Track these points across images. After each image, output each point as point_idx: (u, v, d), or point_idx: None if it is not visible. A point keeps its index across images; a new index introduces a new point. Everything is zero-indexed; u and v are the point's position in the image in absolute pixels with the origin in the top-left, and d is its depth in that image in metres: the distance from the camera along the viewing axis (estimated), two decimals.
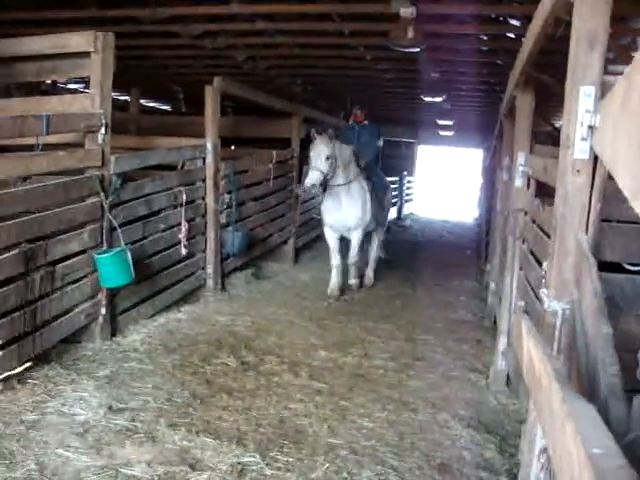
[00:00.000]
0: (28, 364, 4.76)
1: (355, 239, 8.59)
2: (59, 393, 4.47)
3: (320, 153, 7.82)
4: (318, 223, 12.30)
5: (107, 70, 5.33)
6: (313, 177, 7.70)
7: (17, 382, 4.52)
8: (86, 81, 6.51)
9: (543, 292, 2.64)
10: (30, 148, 4.98)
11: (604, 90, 2.24)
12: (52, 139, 5.27)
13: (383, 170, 17.61)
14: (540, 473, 2.26)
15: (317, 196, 8.29)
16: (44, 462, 3.56)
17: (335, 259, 8.50)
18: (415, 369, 5.67)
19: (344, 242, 8.75)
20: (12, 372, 4.56)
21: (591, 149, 2.33)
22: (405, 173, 22.30)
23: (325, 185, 8.03)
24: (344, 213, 8.33)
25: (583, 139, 2.34)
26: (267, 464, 3.77)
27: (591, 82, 2.29)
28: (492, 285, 7.40)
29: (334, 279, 8.41)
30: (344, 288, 8.61)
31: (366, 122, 9.23)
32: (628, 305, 2.72)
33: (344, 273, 8.66)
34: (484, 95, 11.29)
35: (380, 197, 9.05)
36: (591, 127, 2.28)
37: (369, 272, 9.37)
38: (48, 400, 4.35)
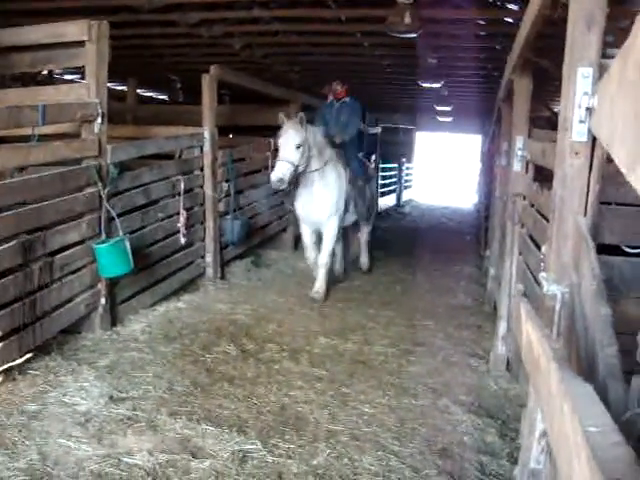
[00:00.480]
0: (29, 355, 4.76)
1: (327, 233, 7.57)
2: (60, 383, 4.48)
3: (289, 140, 6.86)
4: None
5: (102, 59, 5.30)
6: (281, 169, 6.75)
7: (18, 373, 4.53)
8: (82, 72, 6.49)
9: (542, 276, 2.63)
10: (26, 139, 4.97)
11: (602, 72, 2.22)
12: (48, 129, 5.26)
13: (382, 157, 17.41)
14: (540, 456, 2.27)
15: (286, 190, 7.32)
16: (46, 452, 3.57)
17: (311, 258, 7.75)
18: (415, 355, 5.68)
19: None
20: (13, 363, 4.55)
21: (589, 131, 2.31)
22: (404, 160, 22.27)
23: (297, 176, 7.20)
24: (316, 203, 7.42)
25: (581, 121, 2.32)
26: (268, 451, 3.78)
27: (589, 63, 2.27)
28: (492, 270, 7.40)
29: (320, 279, 7.47)
30: (330, 287, 7.81)
31: (347, 99, 8.24)
32: (627, 288, 2.72)
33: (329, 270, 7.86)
34: (482, 80, 11.24)
35: (360, 187, 8.11)
36: (589, 109, 2.26)
37: (363, 258, 8.94)
38: (49, 390, 4.36)
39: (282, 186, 6.83)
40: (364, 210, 8.27)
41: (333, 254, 7.98)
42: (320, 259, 7.54)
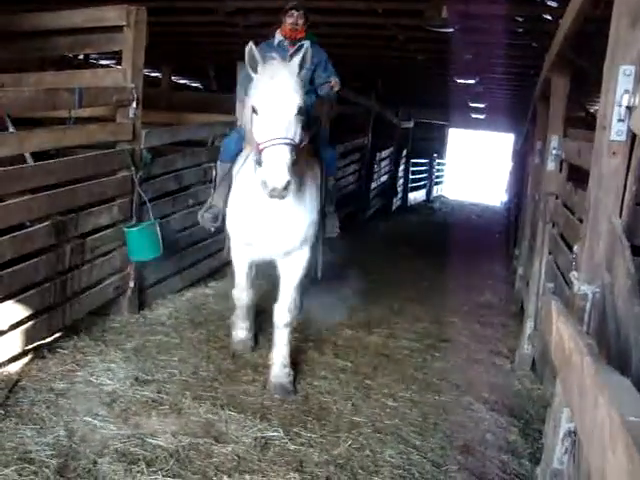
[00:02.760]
0: (58, 334, 4.84)
1: (294, 270, 4.76)
2: (87, 363, 4.55)
3: (286, 98, 3.89)
4: (348, 202, 12.16)
5: (139, 44, 5.34)
6: (284, 161, 3.75)
7: (47, 351, 4.61)
8: (118, 57, 6.54)
9: (573, 275, 2.62)
10: (62, 121, 5.03)
11: None
12: (84, 113, 5.32)
13: (414, 152, 17.11)
14: (564, 457, 2.26)
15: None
16: (73, 429, 3.63)
17: (245, 296, 5.19)
18: (440, 351, 5.67)
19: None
20: (42, 342, 4.64)
21: (628, 130, 2.29)
22: (435, 155, 22.17)
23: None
24: (283, 223, 4.42)
25: (620, 120, 2.30)
26: (290, 439, 3.81)
27: (631, 61, 2.25)
28: (520, 270, 7.35)
29: (241, 330, 5.23)
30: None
31: (306, 42, 4.17)
32: None
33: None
34: (517, 78, 11.14)
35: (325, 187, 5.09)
36: (629, 108, 2.24)
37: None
38: (77, 370, 4.43)
39: (288, 194, 3.89)
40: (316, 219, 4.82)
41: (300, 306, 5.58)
42: (279, 316, 4.74)
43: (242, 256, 4.93)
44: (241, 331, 5.25)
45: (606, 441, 0.90)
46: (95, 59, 11.25)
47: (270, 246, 4.58)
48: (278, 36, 5.27)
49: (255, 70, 4.05)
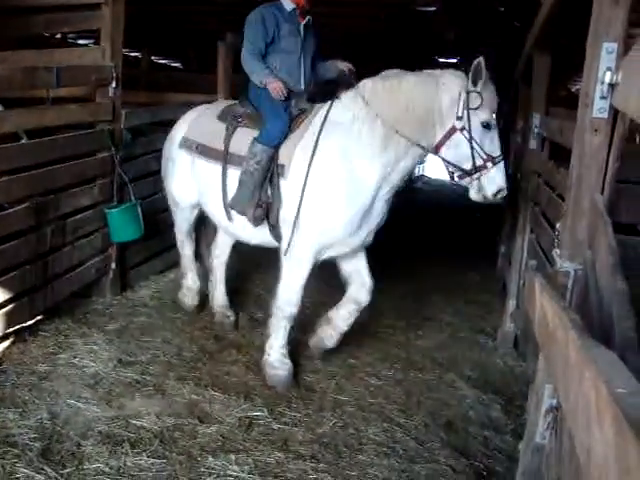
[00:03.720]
0: (39, 317, 4.80)
1: (365, 256, 4.84)
2: (70, 346, 4.52)
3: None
4: None
5: (118, 23, 5.27)
6: None
7: (29, 334, 4.58)
8: (96, 37, 6.44)
9: (555, 252, 2.63)
10: (41, 101, 4.96)
11: (627, 47, 2.19)
12: (63, 92, 5.25)
13: None
14: (546, 432, 2.27)
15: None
16: (56, 411, 3.62)
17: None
18: (423, 329, 5.70)
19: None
20: (24, 324, 4.60)
21: (610, 108, 2.29)
22: None
23: None
24: (380, 216, 4.44)
25: (603, 97, 2.30)
26: (274, 418, 3.82)
27: (614, 39, 2.25)
28: (502, 248, 7.38)
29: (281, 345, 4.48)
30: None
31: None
32: None
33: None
34: (498, 58, 11.12)
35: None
36: (612, 85, 2.24)
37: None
38: (59, 352, 4.40)
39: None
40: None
41: None
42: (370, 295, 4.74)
43: (315, 258, 4.47)
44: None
45: (592, 415, 0.91)
46: (73, 39, 11.07)
47: (362, 240, 4.47)
48: (289, 3, 4.57)
49: (475, 83, 4.00)
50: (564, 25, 4.90)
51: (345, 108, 4.25)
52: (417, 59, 13.03)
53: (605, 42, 2.27)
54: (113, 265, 5.55)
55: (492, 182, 3.99)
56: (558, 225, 2.87)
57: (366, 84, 4.28)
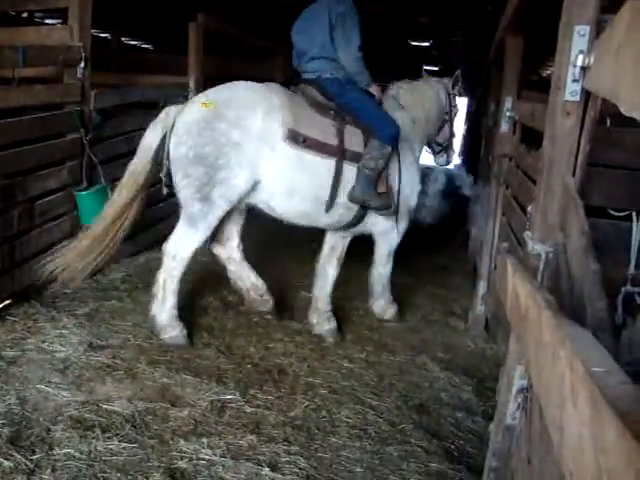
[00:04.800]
0: (7, 301, 4.72)
1: None
2: (39, 330, 4.45)
3: None
4: None
5: (86, 2, 5.18)
6: None
7: None
8: (64, 17, 6.31)
9: (527, 235, 2.64)
10: (6, 81, 4.85)
11: (599, 30, 2.19)
12: (29, 72, 5.14)
13: None
14: (516, 412, 2.30)
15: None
16: (25, 397, 3.57)
17: None
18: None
19: None
20: None
21: (582, 90, 2.29)
22: None
23: None
24: None
25: (575, 80, 2.30)
26: (247, 401, 3.81)
27: (586, 21, 2.24)
28: (473, 230, 7.43)
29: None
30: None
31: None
32: (610, 250, 2.73)
33: None
34: (471, 42, 11.13)
35: None
36: (584, 68, 2.24)
37: None
38: (28, 337, 4.34)
39: None
40: None
41: None
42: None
43: None
44: None
45: (566, 394, 0.91)
46: (40, 18, 10.85)
47: None
48: None
49: (454, 88, 5.73)
50: (536, 9, 4.91)
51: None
52: (392, 44, 13.04)
53: (577, 25, 2.27)
54: None
55: (453, 152, 5.98)
56: (529, 208, 2.88)
57: (398, 92, 5.37)
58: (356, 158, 4.66)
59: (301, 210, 4.78)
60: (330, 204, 4.69)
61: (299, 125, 4.51)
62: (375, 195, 4.72)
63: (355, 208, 4.79)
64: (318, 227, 5.09)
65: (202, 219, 4.46)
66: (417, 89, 5.44)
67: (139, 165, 4.60)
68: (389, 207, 4.86)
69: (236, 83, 4.65)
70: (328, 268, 5.36)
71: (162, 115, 4.57)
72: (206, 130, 4.31)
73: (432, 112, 5.41)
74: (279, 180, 4.55)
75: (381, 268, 5.39)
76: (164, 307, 4.54)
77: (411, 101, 5.30)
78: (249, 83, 4.64)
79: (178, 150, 4.38)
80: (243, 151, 4.35)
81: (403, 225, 5.24)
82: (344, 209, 4.77)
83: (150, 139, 4.56)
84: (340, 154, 4.63)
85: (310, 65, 4.91)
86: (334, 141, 4.63)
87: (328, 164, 4.62)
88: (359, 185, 4.66)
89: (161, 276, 4.55)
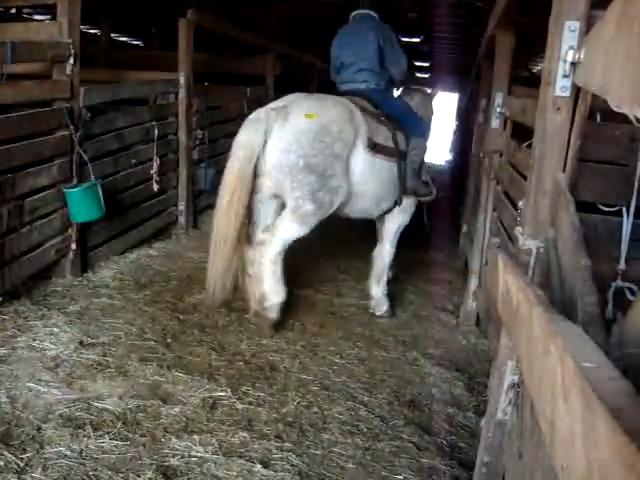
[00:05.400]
0: None
1: None
2: (29, 328, 4.43)
3: None
4: None
5: None
6: None
7: None
8: (53, 13, 6.28)
9: (518, 230, 2.65)
10: None
11: (589, 26, 2.20)
12: (18, 69, 5.11)
13: None
14: (507, 408, 2.30)
15: None
16: (15, 395, 3.55)
17: None
18: None
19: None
20: None
21: (572, 86, 2.30)
22: None
23: None
24: None
25: (565, 76, 2.30)
26: (238, 398, 3.81)
27: (576, 17, 2.25)
28: (464, 227, 7.44)
29: None
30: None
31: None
32: (600, 245, 2.74)
33: None
34: (462, 38, 11.13)
35: None
36: (574, 64, 2.25)
37: None
38: (18, 335, 4.31)
39: None
40: None
41: None
42: None
43: None
44: None
45: (557, 389, 0.91)
46: (29, 14, 10.79)
47: None
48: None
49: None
50: (526, 5, 4.92)
51: None
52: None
53: (567, 20, 2.27)
54: (73, 246, 5.45)
55: None
56: (520, 203, 2.89)
57: (409, 96, 6.09)
58: (405, 156, 5.28)
59: (364, 207, 5.27)
60: (400, 198, 5.39)
61: (372, 133, 5.00)
62: (421, 184, 5.44)
63: (395, 197, 5.36)
64: (368, 219, 5.67)
65: (312, 218, 4.76)
66: (420, 95, 6.27)
67: (244, 163, 4.62)
68: (431, 193, 5.56)
69: (321, 96, 5.14)
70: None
71: (261, 116, 4.70)
72: (315, 142, 4.61)
73: (430, 115, 6.18)
74: (358, 184, 4.97)
75: (388, 245, 5.74)
76: (281, 288, 4.88)
77: (418, 104, 5.96)
78: (330, 96, 5.10)
79: (287, 157, 4.61)
80: (343, 161, 4.76)
81: (413, 207, 5.67)
82: (390, 200, 5.36)
83: (254, 138, 4.63)
84: (398, 155, 5.21)
85: (359, 75, 5.46)
86: (392, 144, 5.18)
87: (391, 165, 5.17)
88: (410, 178, 5.30)
89: (268, 264, 4.80)
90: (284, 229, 4.76)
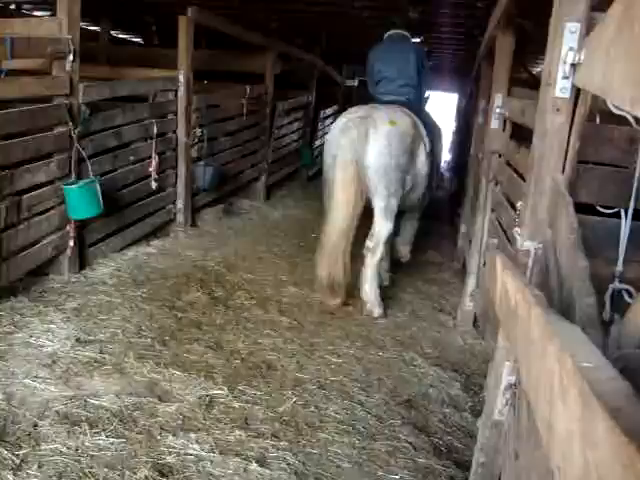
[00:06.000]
0: None
1: None
2: (26, 325, 4.43)
3: None
4: (291, 160, 12.18)
5: None
6: None
7: None
8: (52, 9, 6.27)
9: (516, 231, 2.65)
10: None
11: (589, 28, 2.20)
12: (17, 64, 5.10)
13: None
14: (504, 408, 2.30)
15: None
16: (11, 392, 3.55)
17: None
18: (384, 308, 5.72)
19: None
20: None
21: (572, 87, 2.30)
22: None
23: None
24: None
25: (565, 77, 2.30)
26: (235, 397, 3.81)
27: (577, 19, 2.25)
28: (462, 227, 7.44)
29: None
30: None
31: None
32: (599, 247, 2.74)
33: None
34: (461, 39, 11.13)
35: None
36: (574, 65, 2.25)
37: None
38: (15, 332, 4.31)
39: None
40: None
41: None
42: None
43: None
44: None
45: (555, 389, 0.91)
46: (28, 9, 10.77)
47: None
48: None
49: None
50: (527, 6, 4.92)
51: None
52: (381, 38, 13.02)
53: (568, 22, 2.27)
54: (71, 243, 5.44)
55: None
56: (519, 204, 2.89)
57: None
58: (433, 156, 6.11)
59: (413, 200, 6.05)
60: (434, 190, 6.65)
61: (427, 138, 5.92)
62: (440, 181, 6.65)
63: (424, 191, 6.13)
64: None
65: (394, 212, 5.56)
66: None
67: (351, 164, 5.29)
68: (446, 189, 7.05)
69: (388, 107, 5.74)
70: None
71: (351, 124, 5.42)
72: (400, 144, 5.39)
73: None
74: (416, 179, 5.78)
75: (414, 219, 6.79)
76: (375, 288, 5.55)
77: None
78: (392, 107, 5.79)
79: (383, 159, 5.35)
80: (413, 161, 5.63)
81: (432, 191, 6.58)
82: (422, 193, 6.12)
83: (357, 142, 5.32)
84: (432, 156, 6.02)
85: (402, 89, 6.28)
86: (429, 144, 5.93)
87: (429, 162, 5.91)
88: (437, 172, 6.44)
89: (371, 264, 5.53)
90: (383, 231, 5.53)
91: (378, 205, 5.45)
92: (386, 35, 6.74)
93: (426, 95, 7.29)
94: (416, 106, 6.25)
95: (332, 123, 16.00)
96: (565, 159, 2.44)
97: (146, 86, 7.00)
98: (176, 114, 7.32)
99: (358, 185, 5.27)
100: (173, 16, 7.53)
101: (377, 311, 5.50)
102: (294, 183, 12.26)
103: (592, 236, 2.73)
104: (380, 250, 5.51)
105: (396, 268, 6.90)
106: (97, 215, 5.43)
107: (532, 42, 6.48)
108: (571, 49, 2.25)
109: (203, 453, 3.20)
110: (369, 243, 5.50)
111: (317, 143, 14.26)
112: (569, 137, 2.43)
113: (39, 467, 2.94)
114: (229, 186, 9.01)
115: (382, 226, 5.49)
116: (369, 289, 5.48)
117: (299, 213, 9.73)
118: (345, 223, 5.28)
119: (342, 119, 5.60)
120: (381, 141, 5.31)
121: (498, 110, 5.08)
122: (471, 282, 5.41)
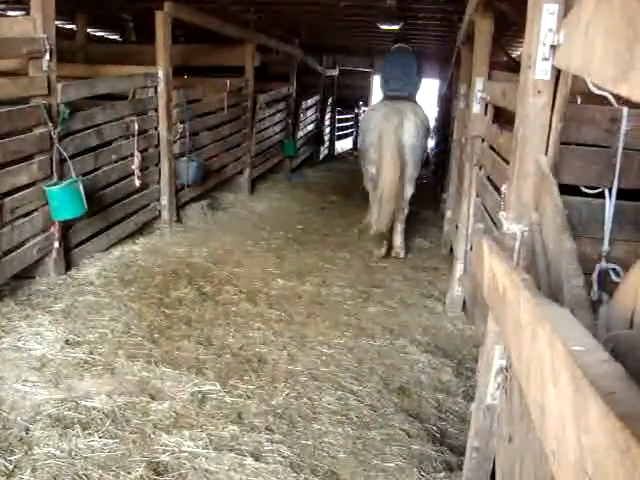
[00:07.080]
0: None
1: None
2: (14, 329, 4.40)
3: None
4: (274, 153, 12.17)
5: None
6: None
7: None
8: (26, 8, 6.18)
9: (502, 215, 2.64)
10: None
11: (568, 8, 2.19)
12: None
13: (339, 100, 17.64)
14: (496, 392, 2.31)
15: None
16: (1, 397, 3.53)
17: None
18: (373, 296, 5.73)
19: None
20: None
21: (552, 69, 2.29)
22: (362, 103, 22.09)
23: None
24: None
25: (545, 59, 2.29)
26: (227, 392, 3.80)
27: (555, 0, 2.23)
28: (448, 213, 7.45)
29: None
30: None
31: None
32: (584, 228, 2.75)
33: None
34: (441, 25, 11.11)
35: None
36: (553, 46, 2.24)
37: None
38: (3, 336, 4.28)
39: None
40: None
41: None
42: None
43: None
44: None
45: (546, 373, 0.90)
46: (2, 9, 10.64)
47: None
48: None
49: None
50: None
51: None
52: (359, 26, 12.98)
53: (546, 3, 2.26)
54: (56, 244, 5.40)
55: None
56: (503, 188, 2.88)
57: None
58: None
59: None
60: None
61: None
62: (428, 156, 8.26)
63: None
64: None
65: (415, 179, 7.31)
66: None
67: (395, 143, 6.81)
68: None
69: (406, 102, 7.38)
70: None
71: (394, 113, 6.97)
72: (421, 130, 7.16)
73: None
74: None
75: (407, 207, 7.51)
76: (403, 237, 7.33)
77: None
78: (408, 102, 7.46)
79: (413, 140, 7.03)
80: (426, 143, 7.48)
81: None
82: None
83: (398, 128, 6.88)
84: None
85: (405, 88, 7.67)
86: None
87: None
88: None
89: (400, 219, 7.24)
90: (409, 192, 7.22)
91: (409, 174, 7.05)
92: (394, 47, 8.21)
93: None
94: (413, 99, 7.85)
95: (314, 114, 15.93)
96: (548, 141, 2.44)
97: (125, 83, 6.94)
98: (157, 110, 7.27)
99: (398, 157, 6.78)
100: (150, 12, 7.45)
101: (402, 253, 7.15)
102: (278, 176, 12.23)
103: (578, 217, 2.74)
104: (407, 208, 7.22)
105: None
106: (81, 215, 5.39)
107: (511, 25, 6.47)
108: (550, 30, 2.24)
109: (197, 450, 3.20)
110: (401, 203, 7.04)
111: (300, 134, 14.22)
112: (551, 119, 2.42)
113: (33, 472, 2.92)
114: (213, 181, 8.98)
115: (409, 189, 7.17)
116: (399, 237, 7.22)
117: (284, 205, 9.72)
118: (393, 185, 6.72)
119: (380, 110, 7.24)
120: (410, 127, 6.99)
121: (479, 94, 5.07)
122: (459, 267, 5.42)
